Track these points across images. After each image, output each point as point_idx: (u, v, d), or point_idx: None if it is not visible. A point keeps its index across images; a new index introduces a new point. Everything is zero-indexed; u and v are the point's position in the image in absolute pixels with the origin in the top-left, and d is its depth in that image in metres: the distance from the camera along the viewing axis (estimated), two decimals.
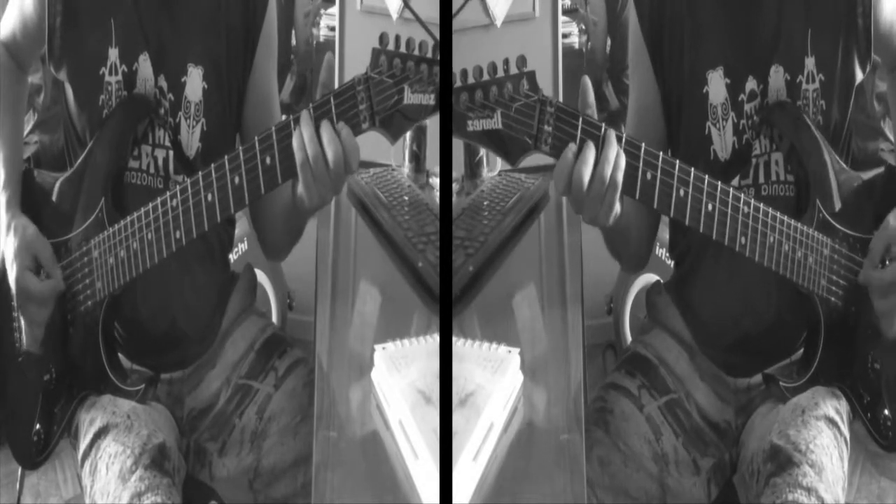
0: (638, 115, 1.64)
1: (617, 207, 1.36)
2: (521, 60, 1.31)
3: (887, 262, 1.51)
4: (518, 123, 1.32)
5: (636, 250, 1.65)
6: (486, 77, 1.31)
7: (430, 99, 1.35)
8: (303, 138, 1.34)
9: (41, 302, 1.56)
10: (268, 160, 1.37)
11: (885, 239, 1.51)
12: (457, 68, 1.32)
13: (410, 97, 1.34)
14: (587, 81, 1.37)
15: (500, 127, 1.32)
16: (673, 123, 1.61)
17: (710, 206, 1.39)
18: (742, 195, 1.41)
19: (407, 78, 1.34)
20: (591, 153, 1.32)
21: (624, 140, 1.34)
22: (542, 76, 1.33)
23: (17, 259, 1.55)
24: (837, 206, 1.50)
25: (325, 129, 1.35)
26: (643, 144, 1.35)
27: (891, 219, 1.51)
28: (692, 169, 1.37)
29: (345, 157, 1.35)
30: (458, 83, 1.31)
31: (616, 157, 1.33)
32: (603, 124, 1.33)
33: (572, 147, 1.32)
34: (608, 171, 1.32)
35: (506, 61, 1.31)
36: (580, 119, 1.33)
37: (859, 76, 1.56)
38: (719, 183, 1.40)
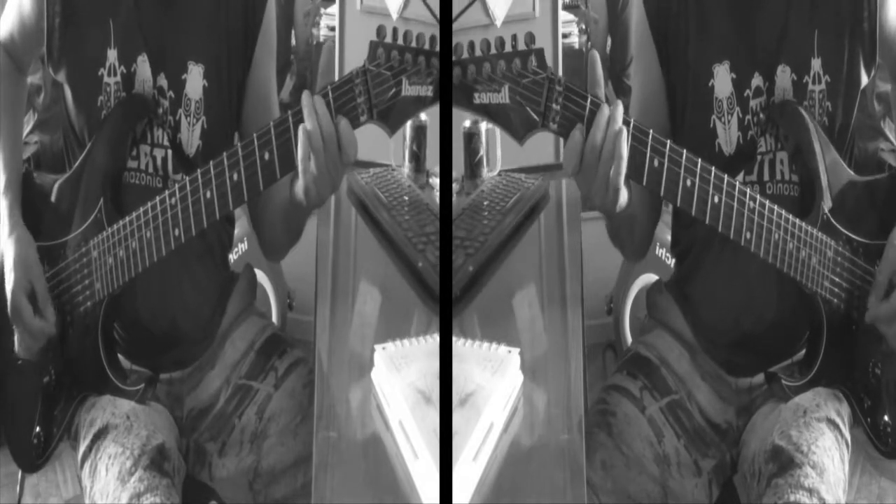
0: (641, 105, 1.63)
1: (623, 194, 1.36)
2: (530, 37, 1.30)
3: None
4: (525, 100, 1.31)
5: (640, 239, 1.65)
6: (493, 51, 1.30)
7: (428, 91, 1.35)
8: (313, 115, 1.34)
9: (32, 335, 1.56)
10: (266, 156, 1.37)
11: (888, 270, 1.50)
12: (464, 43, 1.31)
13: (409, 89, 1.34)
14: (595, 55, 1.37)
15: (507, 101, 1.31)
16: (677, 115, 1.61)
17: (716, 198, 1.39)
18: (748, 190, 1.41)
19: (405, 70, 1.33)
20: (603, 118, 1.32)
21: (632, 125, 1.34)
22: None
23: (15, 271, 1.54)
24: (828, 204, 1.50)
25: (318, 104, 1.34)
26: (651, 131, 1.35)
27: (891, 252, 1.51)
28: (699, 160, 1.37)
29: (341, 145, 1.34)
30: (464, 55, 1.29)
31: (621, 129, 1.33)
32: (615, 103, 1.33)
33: (581, 127, 1.32)
34: (617, 134, 1.32)
35: (514, 37, 1.30)
36: (588, 99, 1.32)
37: (864, 79, 1.56)
38: (726, 176, 1.39)
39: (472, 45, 1.29)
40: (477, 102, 1.30)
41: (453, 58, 1.29)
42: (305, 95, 1.35)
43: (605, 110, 1.32)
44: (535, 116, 1.32)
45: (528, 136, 1.33)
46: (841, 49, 1.54)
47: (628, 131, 1.33)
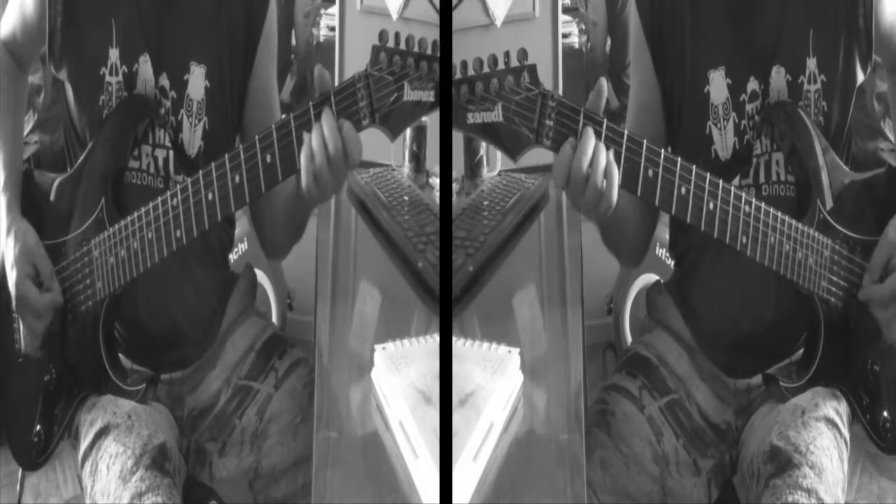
0: (638, 112, 1.64)
1: (614, 203, 1.36)
2: (522, 53, 1.31)
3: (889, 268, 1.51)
4: (519, 117, 1.32)
5: (634, 244, 1.65)
6: (486, 69, 1.30)
7: (429, 96, 1.36)
8: (321, 134, 1.35)
9: (39, 314, 1.56)
10: (268, 158, 1.38)
11: (884, 253, 1.51)
12: (457, 63, 1.32)
13: (410, 94, 1.35)
14: (604, 83, 1.37)
15: (500, 120, 1.32)
16: (673, 122, 1.61)
17: (711, 205, 1.39)
18: (743, 194, 1.42)
19: (407, 75, 1.34)
20: (590, 142, 1.32)
21: (626, 136, 1.34)
22: (542, 76, 1.33)
23: (17, 265, 1.55)
24: (829, 203, 1.50)
25: (326, 120, 1.35)
26: (645, 141, 1.35)
27: (890, 231, 1.51)
28: (693, 167, 1.38)
29: (346, 149, 1.35)
30: (458, 75, 1.31)
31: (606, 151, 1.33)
32: (605, 119, 1.34)
33: (572, 140, 1.33)
34: (603, 162, 1.33)
35: (506, 54, 1.31)
36: (581, 113, 1.33)
37: (860, 77, 1.56)
38: (721, 181, 1.40)
39: (464, 65, 1.30)
40: (471, 122, 1.32)
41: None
42: (327, 116, 1.35)
43: (591, 134, 1.32)
44: (529, 133, 1.32)
45: (523, 153, 1.34)
46: (836, 47, 1.54)
47: (621, 143, 1.34)
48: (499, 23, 2.05)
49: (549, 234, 1.85)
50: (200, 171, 1.41)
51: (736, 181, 1.54)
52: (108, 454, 1.47)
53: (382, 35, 1.33)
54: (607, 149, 1.34)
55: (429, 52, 1.34)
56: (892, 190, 1.56)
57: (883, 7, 1.54)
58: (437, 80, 1.34)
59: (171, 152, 1.59)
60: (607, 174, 1.33)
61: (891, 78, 1.66)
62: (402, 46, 1.34)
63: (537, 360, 1.49)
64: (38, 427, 1.59)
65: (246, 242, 2.30)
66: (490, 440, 1.33)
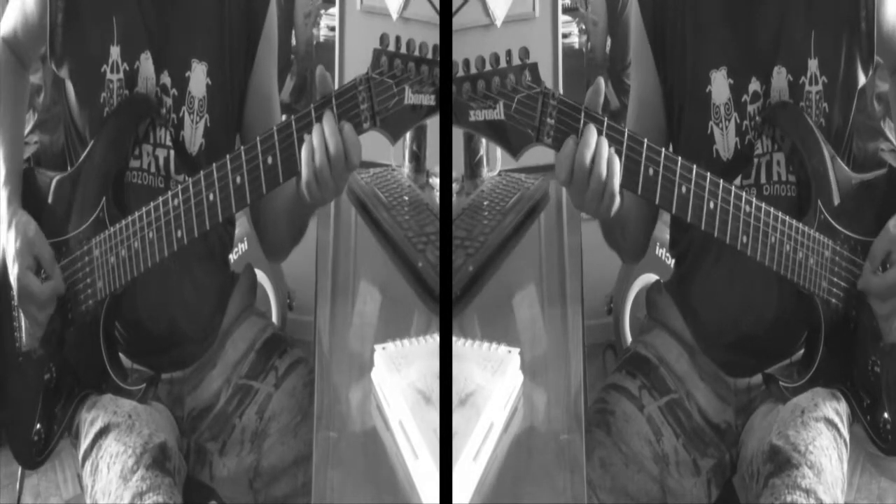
0: (638, 110, 1.64)
1: (617, 198, 1.36)
2: (524, 52, 1.31)
3: (888, 267, 1.51)
4: (520, 115, 1.32)
5: (634, 240, 1.65)
6: (488, 67, 1.31)
7: (430, 99, 1.36)
8: (322, 134, 1.35)
9: (42, 303, 1.56)
10: (269, 160, 1.38)
11: (885, 244, 1.51)
12: (458, 61, 1.32)
13: (411, 97, 1.36)
14: (601, 83, 1.38)
15: (502, 118, 1.32)
16: (674, 121, 1.61)
17: (711, 204, 1.39)
18: (744, 194, 1.42)
19: (407, 79, 1.35)
20: (592, 136, 1.33)
21: (626, 135, 1.34)
22: (542, 76, 1.33)
23: (18, 258, 1.55)
24: (836, 200, 1.50)
25: (328, 122, 1.36)
26: (645, 140, 1.36)
27: (891, 224, 1.51)
28: (694, 166, 1.38)
29: (346, 152, 1.36)
30: (459, 72, 1.31)
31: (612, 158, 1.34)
32: (605, 118, 1.34)
33: (574, 137, 1.33)
34: (605, 154, 1.33)
35: (508, 52, 1.32)
36: (582, 112, 1.33)
37: (862, 79, 1.56)
38: (721, 181, 1.40)
39: (466, 63, 1.31)
40: (472, 120, 1.32)
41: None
42: (328, 118, 1.36)
43: (593, 130, 1.33)
44: (530, 131, 1.33)
45: (524, 151, 1.34)
46: (838, 49, 1.54)
47: (622, 142, 1.34)
48: (499, 23, 2.05)
49: (549, 234, 1.85)
50: (202, 172, 1.42)
51: (737, 181, 1.54)
52: (109, 454, 1.47)
53: (383, 39, 1.34)
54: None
55: (429, 56, 1.35)
56: (893, 191, 1.56)
57: (885, 9, 1.54)
58: (437, 84, 1.35)
59: (172, 152, 1.59)
60: (609, 166, 1.33)
61: (892, 79, 1.66)
62: (403, 50, 1.35)
63: (537, 359, 1.50)
64: (38, 426, 1.59)
65: (246, 242, 2.30)
66: (490, 440, 1.33)
